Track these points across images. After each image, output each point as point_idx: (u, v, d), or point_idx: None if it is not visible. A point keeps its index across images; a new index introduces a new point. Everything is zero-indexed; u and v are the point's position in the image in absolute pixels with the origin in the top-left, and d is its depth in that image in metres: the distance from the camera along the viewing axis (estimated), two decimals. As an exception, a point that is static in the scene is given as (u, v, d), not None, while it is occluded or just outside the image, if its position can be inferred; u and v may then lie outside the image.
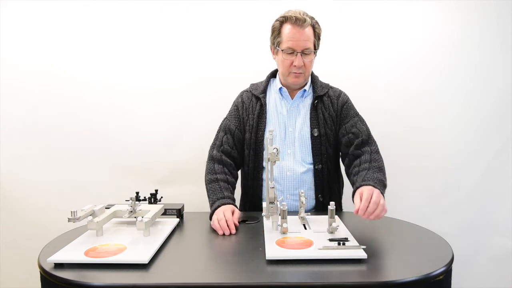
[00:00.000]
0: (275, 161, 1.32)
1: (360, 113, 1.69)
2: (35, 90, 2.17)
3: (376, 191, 1.30)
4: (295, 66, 1.56)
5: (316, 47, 1.59)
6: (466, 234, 2.21)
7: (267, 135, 1.36)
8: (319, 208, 1.63)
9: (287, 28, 1.54)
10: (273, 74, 1.75)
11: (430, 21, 2.16)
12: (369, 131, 1.64)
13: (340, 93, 1.70)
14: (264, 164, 1.64)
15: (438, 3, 2.14)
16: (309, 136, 1.62)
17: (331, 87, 1.71)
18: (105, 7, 2.15)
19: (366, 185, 1.35)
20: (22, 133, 2.19)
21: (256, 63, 2.08)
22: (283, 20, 1.56)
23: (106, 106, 2.21)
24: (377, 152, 1.57)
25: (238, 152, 1.69)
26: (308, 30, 1.54)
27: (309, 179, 1.63)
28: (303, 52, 1.54)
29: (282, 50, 1.56)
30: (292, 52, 1.55)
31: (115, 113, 2.22)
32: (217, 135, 1.73)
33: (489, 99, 2.17)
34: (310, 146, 1.62)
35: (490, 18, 2.12)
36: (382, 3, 2.16)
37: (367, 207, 1.24)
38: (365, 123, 1.66)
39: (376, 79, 2.20)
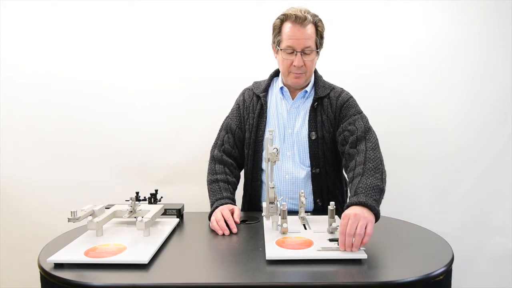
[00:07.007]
0: (275, 161, 1.31)
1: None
2: (35, 90, 2.16)
3: (353, 214, 1.16)
4: (295, 66, 1.50)
5: (318, 46, 1.53)
6: (466, 234, 2.20)
7: (267, 135, 1.34)
8: (319, 213, 1.55)
9: (287, 27, 1.49)
10: (276, 73, 1.69)
11: (430, 20, 2.16)
12: (368, 126, 1.52)
13: (340, 93, 1.61)
14: (263, 165, 1.62)
15: (438, 3, 2.14)
16: (307, 139, 1.58)
17: (334, 88, 1.64)
18: (104, 6, 2.15)
19: (354, 204, 1.21)
20: (22, 133, 2.19)
21: (256, 62, 2.08)
22: (284, 18, 1.50)
23: (106, 106, 2.21)
24: (374, 148, 1.42)
25: (239, 152, 1.68)
26: (310, 29, 1.48)
27: (308, 183, 1.60)
28: (304, 52, 1.49)
29: (282, 49, 1.51)
30: (292, 51, 1.49)
31: (115, 113, 2.22)
32: (219, 134, 1.71)
33: (489, 99, 2.16)
34: (308, 149, 1.58)
35: (490, 18, 2.12)
36: (383, 3, 2.16)
37: (344, 240, 1.14)
38: (366, 120, 1.54)
39: (375, 79, 2.19)
